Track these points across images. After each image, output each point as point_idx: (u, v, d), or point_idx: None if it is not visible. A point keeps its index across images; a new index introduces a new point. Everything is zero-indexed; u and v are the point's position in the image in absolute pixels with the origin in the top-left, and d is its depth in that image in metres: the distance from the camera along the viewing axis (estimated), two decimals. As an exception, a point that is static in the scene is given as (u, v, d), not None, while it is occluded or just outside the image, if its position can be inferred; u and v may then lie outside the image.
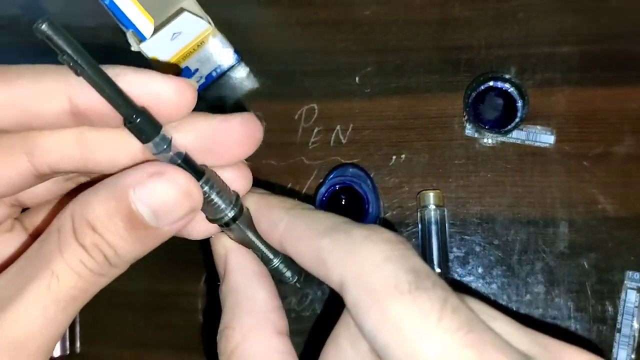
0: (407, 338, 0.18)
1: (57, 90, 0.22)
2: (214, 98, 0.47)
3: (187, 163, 0.22)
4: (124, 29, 0.40)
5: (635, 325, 0.41)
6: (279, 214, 0.23)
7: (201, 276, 0.45)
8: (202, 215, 0.24)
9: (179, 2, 0.40)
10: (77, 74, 0.20)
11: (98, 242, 0.21)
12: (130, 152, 0.23)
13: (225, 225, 0.24)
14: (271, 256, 0.25)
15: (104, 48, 0.47)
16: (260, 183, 0.45)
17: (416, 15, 0.46)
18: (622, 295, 0.41)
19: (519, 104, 0.42)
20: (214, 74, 0.46)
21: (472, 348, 0.17)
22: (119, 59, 0.52)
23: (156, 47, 0.39)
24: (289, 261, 0.26)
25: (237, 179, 0.24)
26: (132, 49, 0.39)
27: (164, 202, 0.22)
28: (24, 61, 0.53)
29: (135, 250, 0.22)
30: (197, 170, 0.22)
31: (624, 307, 0.41)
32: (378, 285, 0.19)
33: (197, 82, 0.45)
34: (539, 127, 0.43)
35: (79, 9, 0.48)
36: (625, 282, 0.41)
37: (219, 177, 0.23)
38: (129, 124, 0.21)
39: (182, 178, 0.22)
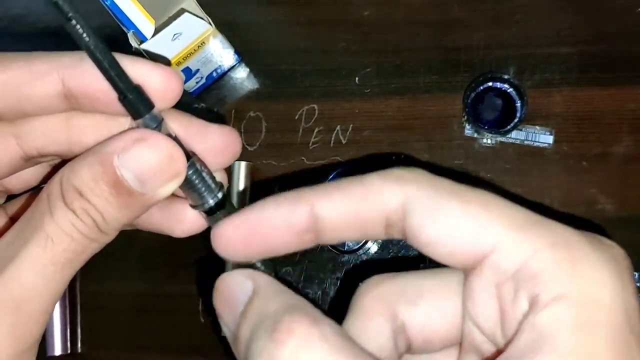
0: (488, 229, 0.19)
1: (50, 71, 0.23)
2: (214, 98, 0.47)
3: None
4: (125, 29, 0.40)
5: (634, 324, 0.41)
6: (294, 192, 0.22)
7: (202, 278, 0.45)
8: (187, 212, 0.25)
9: (180, 3, 0.40)
10: (79, 43, 0.21)
11: (86, 207, 0.22)
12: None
13: (209, 212, 0.24)
14: None
15: (105, 48, 0.47)
16: (261, 183, 0.45)
17: (415, 16, 0.46)
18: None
19: (518, 104, 0.42)
20: (214, 74, 0.46)
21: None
22: (120, 59, 0.52)
23: (157, 48, 0.39)
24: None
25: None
26: (133, 49, 0.39)
27: (147, 167, 0.22)
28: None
29: (121, 216, 0.23)
30: (184, 152, 0.23)
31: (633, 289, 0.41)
32: (442, 193, 0.20)
33: (198, 82, 0.45)
34: (537, 127, 0.44)
35: (80, 9, 0.48)
36: (624, 281, 0.42)
37: (205, 164, 0.24)
38: (123, 98, 0.22)
39: (165, 143, 0.22)
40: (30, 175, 0.27)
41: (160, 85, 0.23)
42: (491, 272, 0.19)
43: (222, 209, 0.24)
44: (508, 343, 0.18)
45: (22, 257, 0.22)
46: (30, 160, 0.25)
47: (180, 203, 0.25)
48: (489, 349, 0.20)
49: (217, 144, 0.24)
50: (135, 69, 0.22)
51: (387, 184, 0.21)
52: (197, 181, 0.23)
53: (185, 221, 0.25)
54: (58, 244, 0.22)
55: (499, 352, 0.18)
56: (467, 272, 0.20)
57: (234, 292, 0.21)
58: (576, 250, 0.18)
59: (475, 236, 0.19)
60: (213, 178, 0.24)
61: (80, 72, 0.23)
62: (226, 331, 0.21)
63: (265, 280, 0.21)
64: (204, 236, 0.43)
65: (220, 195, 0.24)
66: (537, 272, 0.18)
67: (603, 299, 0.17)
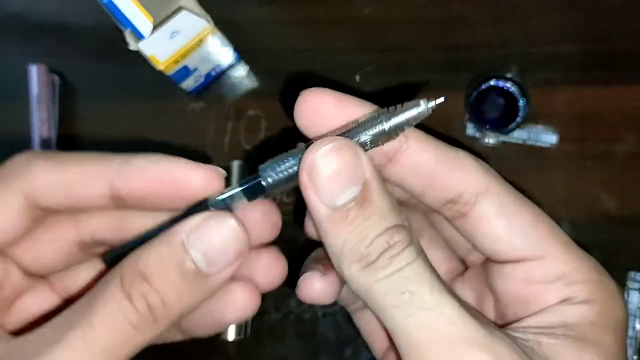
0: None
1: (100, 175, 0.24)
2: (213, 97, 0.46)
3: (246, 188, 0.23)
4: (122, 27, 0.39)
5: (638, 326, 0.41)
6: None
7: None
8: (237, 293, 0.25)
9: (178, 1, 0.39)
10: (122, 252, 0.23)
11: (146, 291, 0.22)
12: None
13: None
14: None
15: (103, 47, 0.47)
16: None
17: (416, 14, 0.45)
18: (625, 296, 0.41)
19: (520, 103, 0.42)
20: (213, 72, 0.45)
21: None
22: (118, 58, 0.52)
23: (155, 46, 0.39)
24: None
25: (267, 266, 0.26)
26: (131, 47, 0.39)
27: (216, 245, 0.22)
28: (22, 61, 0.52)
29: (183, 302, 0.22)
30: (255, 186, 0.23)
31: (626, 308, 0.41)
32: (517, 199, 0.24)
33: (196, 81, 0.45)
34: (540, 126, 0.43)
35: (77, 8, 0.48)
36: (628, 282, 0.41)
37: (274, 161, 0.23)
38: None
39: (231, 221, 0.23)
40: (54, 255, 0.27)
41: (199, 182, 0.24)
42: (534, 270, 0.23)
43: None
44: (528, 316, 0.23)
45: (60, 344, 0.21)
46: (85, 249, 0.26)
47: (229, 287, 0.25)
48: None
49: (260, 229, 0.25)
50: (174, 171, 0.24)
51: (477, 165, 0.24)
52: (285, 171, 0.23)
53: (237, 300, 0.25)
54: (98, 332, 0.21)
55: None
56: (499, 260, 0.24)
57: (350, 169, 0.22)
58: (603, 275, 0.23)
59: (537, 242, 0.23)
60: (290, 154, 0.23)
61: (127, 176, 0.24)
62: (315, 203, 0.22)
63: (375, 171, 0.22)
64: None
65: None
66: (575, 282, 0.23)
67: (617, 315, 0.23)
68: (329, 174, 0.22)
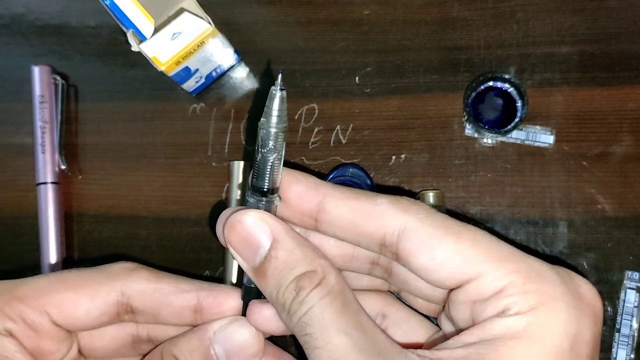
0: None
1: (191, 290, 0.29)
2: (214, 98, 0.47)
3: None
4: (124, 29, 0.40)
5: (635, 325, 0.41)
6: (317, 180, 0.26)
7: (202, 275, 0.45)
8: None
9: (179, 3, 0.40)
10: None
11: None
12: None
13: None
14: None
15: (105, 48, 0.47)
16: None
17: (416, 15, 0.46)
18: (622, 295, 0.42)
19: (519, 104, 0.42)
20: (214, 74, 0.46)
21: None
22: (120, 59, 0.53)
23: (156, 47, 0.39)
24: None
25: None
26: (133, 48, 0.39)
27: (236, 345, 0.27)
28: (25, 62, 0.53)
29: None
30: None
31: (623, 307, 0.41)
32: (438, 228, 0.24)
33: (197, 82, 0.45)
34: (538, 127, 0.43)
35: (79, 9, 0.48)
36: (625, 281, 0.42)
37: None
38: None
39: (252, 328, 0.28)
40: (109, 343, 0.31)
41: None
42: (472, 292, 0.24)
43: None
44: (472, 326, 0.24)
45: None
46: (136, 344, 0.30)
47: None
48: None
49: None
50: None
51: (392, 208, 0.25)
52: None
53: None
54: None
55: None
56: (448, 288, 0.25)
57: (254, 234, 0.25)
58: (544, 284, 0.23)
59: (463, 266, 0.23)
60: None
61: (214, 295, 0.29)
62: (242, 263, 0.26)
63: (282, 228, 0.25)
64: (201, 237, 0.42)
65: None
66: (510, 295, 0.23)
67: (554, 324, 0.22)
68: (234, 245, 0.26)
